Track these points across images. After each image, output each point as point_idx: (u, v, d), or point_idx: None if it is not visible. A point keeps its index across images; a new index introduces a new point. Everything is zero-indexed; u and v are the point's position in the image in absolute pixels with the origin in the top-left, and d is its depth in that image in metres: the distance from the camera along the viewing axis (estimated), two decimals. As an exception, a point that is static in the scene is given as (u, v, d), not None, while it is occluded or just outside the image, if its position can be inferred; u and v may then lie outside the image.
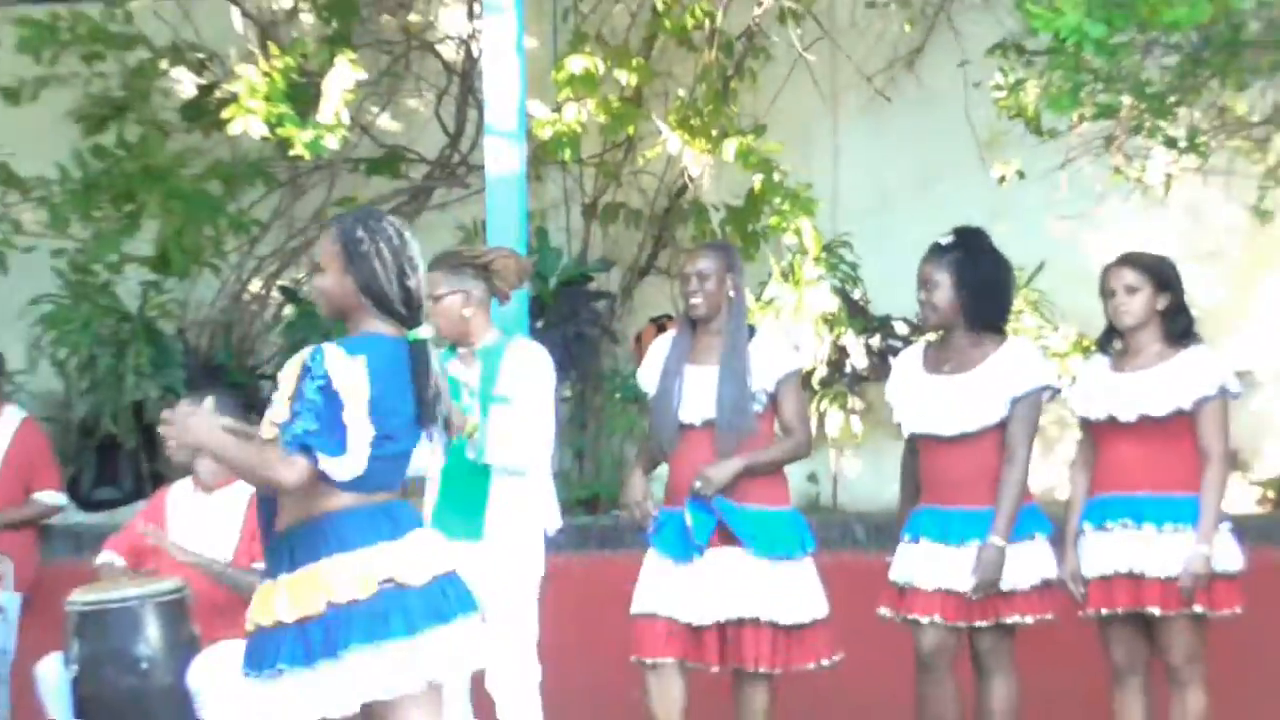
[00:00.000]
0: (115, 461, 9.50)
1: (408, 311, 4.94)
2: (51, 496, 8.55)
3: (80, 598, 7.02)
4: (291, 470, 4.76)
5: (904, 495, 7.22)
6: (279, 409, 4.89)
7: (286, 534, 4.96)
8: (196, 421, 4.91)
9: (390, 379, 4.88)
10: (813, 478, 9.04)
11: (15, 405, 8.72)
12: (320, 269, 5.08)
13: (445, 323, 6.79)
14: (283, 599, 4.85)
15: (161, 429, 5.04)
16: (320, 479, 4.82)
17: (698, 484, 6.93)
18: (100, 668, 6.94)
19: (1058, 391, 7.48)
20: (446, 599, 4.95)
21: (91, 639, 6.95)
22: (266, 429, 4.91)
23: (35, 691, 7.25)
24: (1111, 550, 6.85)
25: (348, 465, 4.75)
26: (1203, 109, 7.88)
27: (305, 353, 4.90)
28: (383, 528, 4.89)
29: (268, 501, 5.12)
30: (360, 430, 4.77)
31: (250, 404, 8.94)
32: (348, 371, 4.77)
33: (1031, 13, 6.39)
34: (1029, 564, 6.87)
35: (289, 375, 4.88)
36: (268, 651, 4.84)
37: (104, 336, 9.28)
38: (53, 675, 7.09)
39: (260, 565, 7.09)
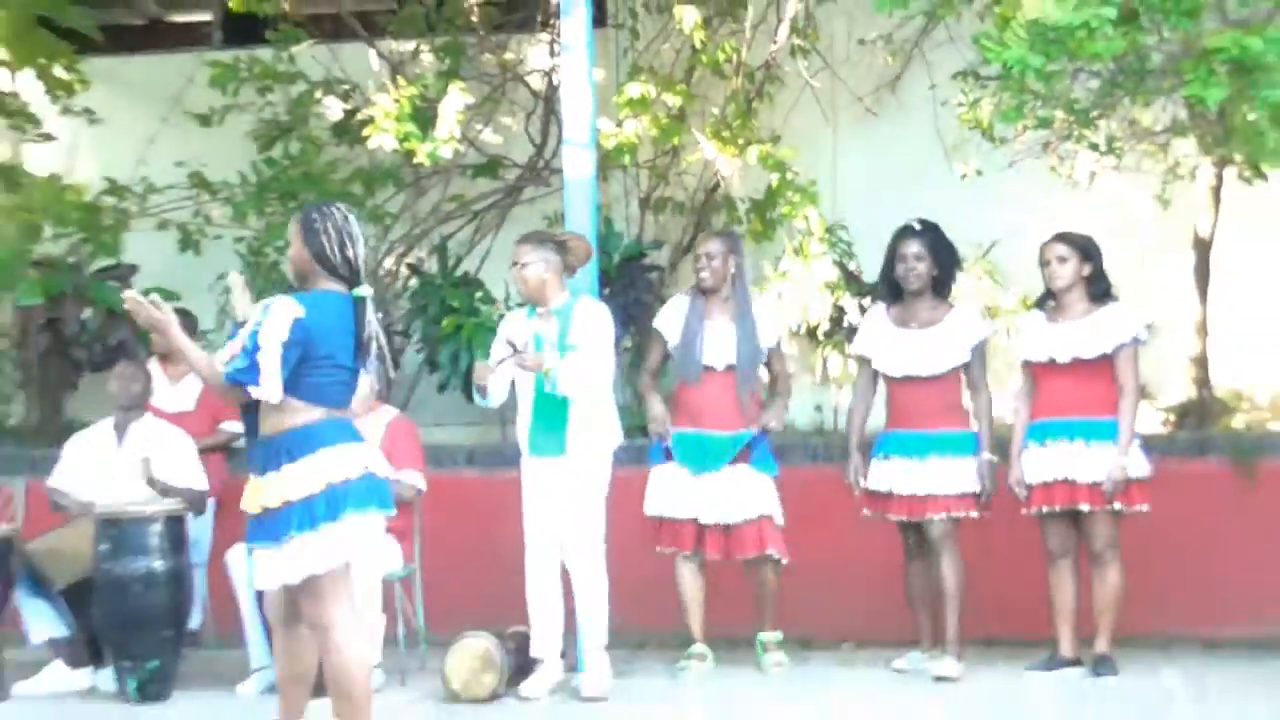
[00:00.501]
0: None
1: (349, 274, 5.22)
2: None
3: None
4: (229, 394, 5.18)
5: (856, 420, 7.47)
6: (230, 349, 5.12)
7: (276, 438, 5.13)
8: (160, 317, 5.15)
9: (332, 324, 5.14)
10: (819, 408, 9.11)
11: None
12: (289, 244, 5.38)
13: (526, 285, 7.06)
14: (288, 484, 5.08)
15: (127, 304, 5.25)
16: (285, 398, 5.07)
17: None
18: None
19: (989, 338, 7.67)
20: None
21: None
22: (222, 357, 5.14)
23: (225, 570, 7.51)
24: (1050, 462, 7.12)
25: (267, 390, 5.04)
26: (1118, 121, 7.93)
27: (261, 304, 5.18)
28: (349, 433, 5.22)
29: (251, 415, 5.23)
30: (270, 366, 5.02)
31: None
32: (277, 321, 5.04)
33: (986, 47, 6.55)
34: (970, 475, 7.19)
35: (249, 324, 5.13)
36: (280, 524, 5.08)
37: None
38: (238, 559, 7.29)
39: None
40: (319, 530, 5.06)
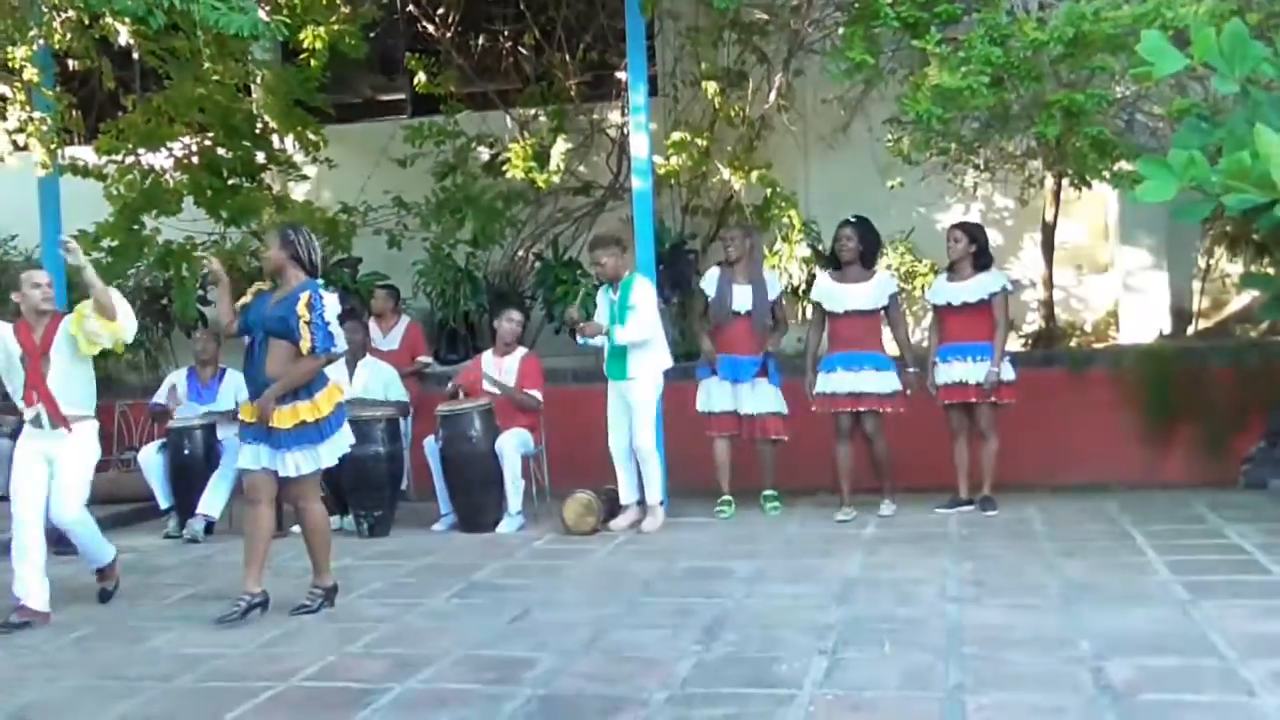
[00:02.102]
0: (455, 341, 9.53)
1: (314, 271, 5.19)
2: (425, 359, 8.76)
3: (443, 408, 7.36)
4: (321, 361, 5.10)
5: (811, 346, 7.31)
6: (305, 334, 4.97)
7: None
8: (269, 405, 5.04)
9: None
10: (799, 340, 8.94)
11: (406, 315, 8.95)
12: (267, 247, 5.27)
13: (604, 269, 7.03)
14: (320, 404, 5.09)
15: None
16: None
17: (773, 349, 7.32)
18: (453, 442, 7.26)
19: (902, 291, 7.60)
20: None
21: (449, 428, 7.26)
22: (304, 344, 5.00)
23: (422, 452, 7.48)
24: (952, 372, 7.05)
25: (338, 350, 5.13)
26: (991, 149, 7.84)
27: (308, 294, 5.03)
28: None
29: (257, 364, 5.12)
30: (339, 334, 5.10)
31: (524, 310, 9.27)
32: (332, 304, 5.10)
33: (904, 103, 6.51)
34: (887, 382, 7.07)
35: (303, 309, 5.00)
36: (325, 429, 5.11)
37: (448, 279, 9.37)
38: (430, 447, 7.35)
39: (533, 391, 7.45)
40: (338, 434, 5.17)
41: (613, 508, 7.15)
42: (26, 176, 7.93)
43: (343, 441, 5.24)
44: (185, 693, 4.19)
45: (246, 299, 5.30)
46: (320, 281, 5.22)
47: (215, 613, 5.14)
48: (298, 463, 5.13)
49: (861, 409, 7.06)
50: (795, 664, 4.14)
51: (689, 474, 7.47)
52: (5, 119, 7.44)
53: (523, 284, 9.75)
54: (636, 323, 6.94)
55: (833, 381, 7.12)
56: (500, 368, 7.63)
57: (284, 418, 5.09)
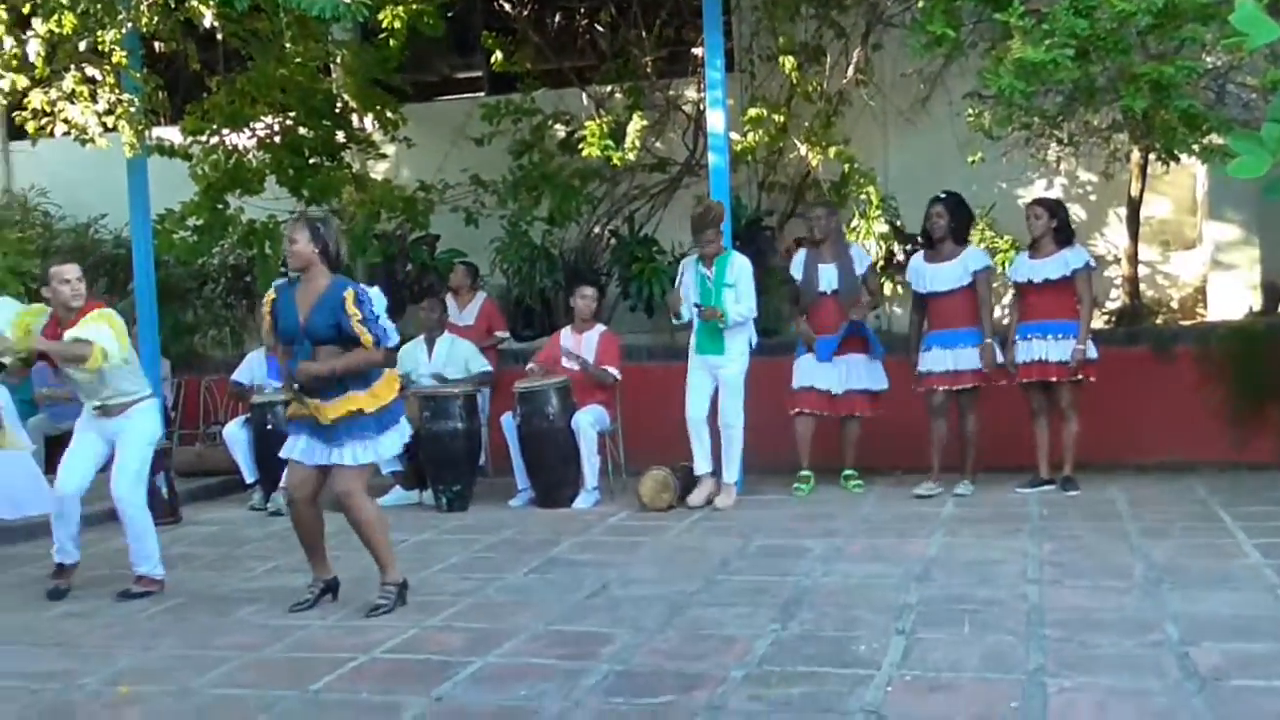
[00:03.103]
0: (531, 318, 9.55)
1: (338, 266, 4.89)
2: (503, 334, 8.82)
3: (521, 385, 7.41)
4: (382, 354, 4.82)
5: (914, 327, 7.31)
6: (363, 331, 4.70)
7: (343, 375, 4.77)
8: (319, 367, 4.76)
9: None
10: (878, 316, 8.93)
11: (483, 291, 9.03)
12: (295, 241, 4.83)
13: (709, 248, 7.02)
14: (379, 393, 4.82)
15: (300, 377, 4.81)
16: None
17: (855, 316, 7.22)
18: (530, 418, 7.31)
19: (993, 269, 7.54)
20: None
21: (526, 405, 7.32)
22: (366, 341, 4.72)
23: (500, 427, 7.53)
24: (1032, 350, 6.95)
25: (393, 343, 4.87)
26: (1075, 123, 7.65)
27: (352, 293, 4.73)
28: None
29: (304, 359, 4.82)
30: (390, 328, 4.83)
31: (596, 289, 9.30)
32: (380, 300, 4.83)
33: (986, 77, 6.39)
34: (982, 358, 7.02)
35: (353, 308, 4.70)
36: (385, 419, 4.84)
37: (524, 256, 9.40)
38: (507, 423, 7.41)
39: (610, 368, 7.48)
40: (397, 426, 4.93)
41: (688, 484, 7.16)
42: (114, 157, 8.09)
43: (402, 434, 4.95)
44: (272, 663, 4.29)
45: (267, 305, 4.98)
46: (346, 280, 4.89)
47: (291, 601, 5.17)
48: (355, 453, 4.83)
49: (958, 387, 7.04)
50: (873, 644, 4.12)
51: (765, 452, 7.45)
52: (95, 101, 7.59)
53: (598, 261, 9.76)
54: (747, 299, 6.98)
55: (929, 360, 7.12)
56: (578, 344, 7.66)
57: (335, 409, 4.79)
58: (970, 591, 4.79)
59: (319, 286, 4.82)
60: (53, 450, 9.28)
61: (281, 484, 7.52)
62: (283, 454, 5.01)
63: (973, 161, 8.28)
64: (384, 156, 10.17)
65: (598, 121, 8.97)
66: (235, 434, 7.89)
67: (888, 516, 6.54)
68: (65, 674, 4.24)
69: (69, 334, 5.29)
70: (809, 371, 7.31)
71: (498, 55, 9.71)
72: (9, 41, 7.31)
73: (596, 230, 9.86)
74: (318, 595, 5.08)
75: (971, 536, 5.89)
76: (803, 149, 9.13)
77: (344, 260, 4.97)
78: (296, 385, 4.88)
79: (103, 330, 5.29)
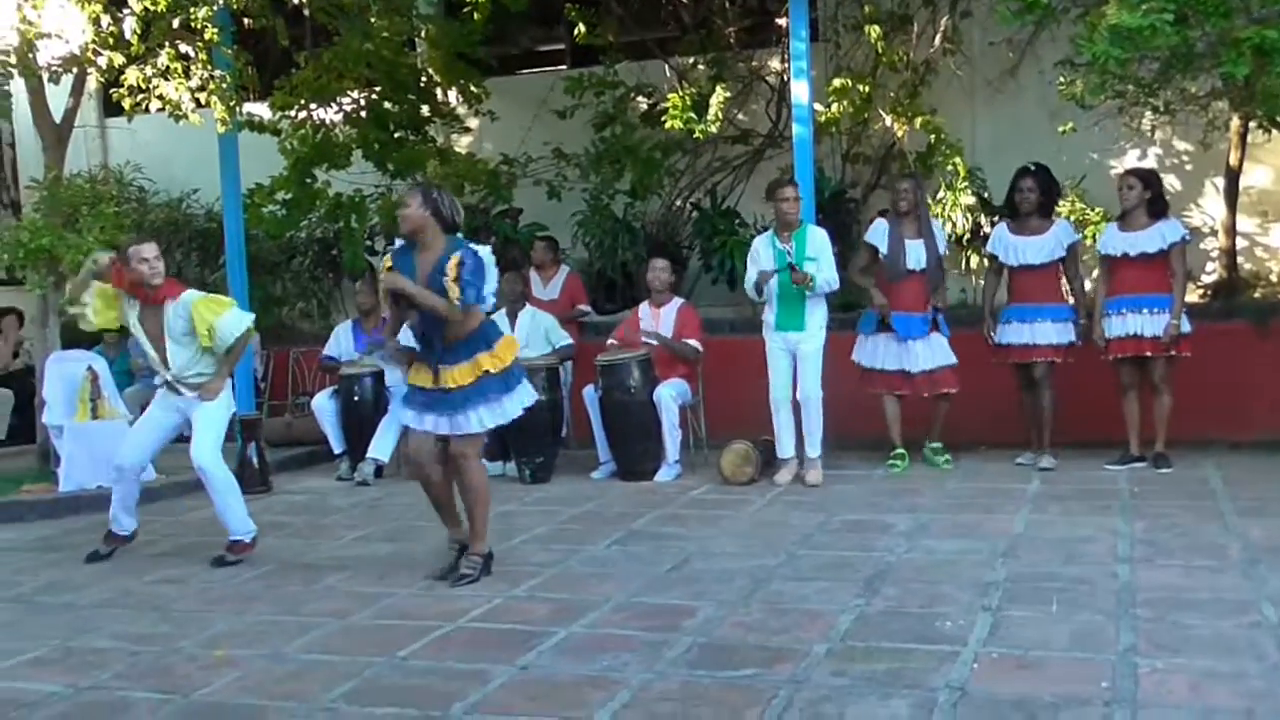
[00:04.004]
0: (613, 291, 9.55)
1: (456, 228, 4.85)
2: (585, 307, 8.84)
3: (603, 358, 7.44)
4: (460, 314, 4.75)
5: (988, 297, 7.23)
6: (451, 287, 4.67)
7: (471, 335, 4.80)
8: (402, 280, 4.72)
9: None
10: (963, 290, 8.89)
11: (565, 265, 9.07)
12: (406, 205, 4.83)
13: (788, 217, 6.94)
14: (502, 354, 4.83)
15: (383, 280, 4.85)
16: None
17: (941, 304, 7.19)
18: (612, 391, 7.33)
19: (1082, 240, 7.41)
20: None
21: (608, 378, 7.34)
22: (452, 295, 4.67)
23: (582, 399, 7.55)
24: (1125, 324, 6.83)
25: (486, 306, 4.82)
26: (1172, 91, 7.43)
27: (457, 257, 4.71)
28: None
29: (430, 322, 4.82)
30: (490, 290, 4.79)
31: (677, 262, 9.24)
32: (486, 258, 4.80)
33: (1080, 45, 6.27)
34: (1062, 334, 6.94)
35: (452, 268, 4.68)
36: (510, 380, 4.84)
37: (606, 229, 9.39)
38: (589, 396, 7.44)
39: (692, 340, 7.46)
40: (521, 385, 4.93)
41: (770, 458, 7.14)
42: (206, 133, 8.25)
43: (526, 393, 4.96)
44: (360, 629, 4.37)
45: (385, 271, 4.94)
46: (459, 236, 4.89)
47: (378, 569, 5.26)
48: (482, 417, 4.83)
49: (1034, 359, 6.97)
50: (959, 620, 4.08)
51: (844, 426, 7.39)
52: (188, 78, 7.74)
53: (680, 234, 9.73)
54: (829, 271, 6.92)
55: (1008, 333, 7.06)
56: (657, 318, 7.66)
57: (464, 373, 4.82)
58: (1058, 569, 4.72)
59: (435, 250, 4.82)
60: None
61: (369, 453, 7.73)
62: (403, 422, 5.04)
63: (1063, 131, 8.12)
64: (467, 130, 10.23)
65: (680, 93, 8.91)
66: (324, 405, 8.04)
67: (972, 492, 6.47)
68: (163, 637, 4.37)
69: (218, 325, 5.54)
70: (882, 351, 7.23)
71: (580, 28, 9.69)
72: (105, 20, 7.48)
73: (678, 203, 9.83)
74: (458, 555, 5.07)
75: (1059, 513, 5.80)
76: (888, 120, 9.01)
77: (460, 224, 4.93)
78: (419, 344, 4.91)
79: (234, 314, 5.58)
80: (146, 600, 4.96)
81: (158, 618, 4.67)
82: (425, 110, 9.73)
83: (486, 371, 4.83)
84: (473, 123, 10.14)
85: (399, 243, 4.99)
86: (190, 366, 5.59)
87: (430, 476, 5.01)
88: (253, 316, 5.78)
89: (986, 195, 8.75)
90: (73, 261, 7.31)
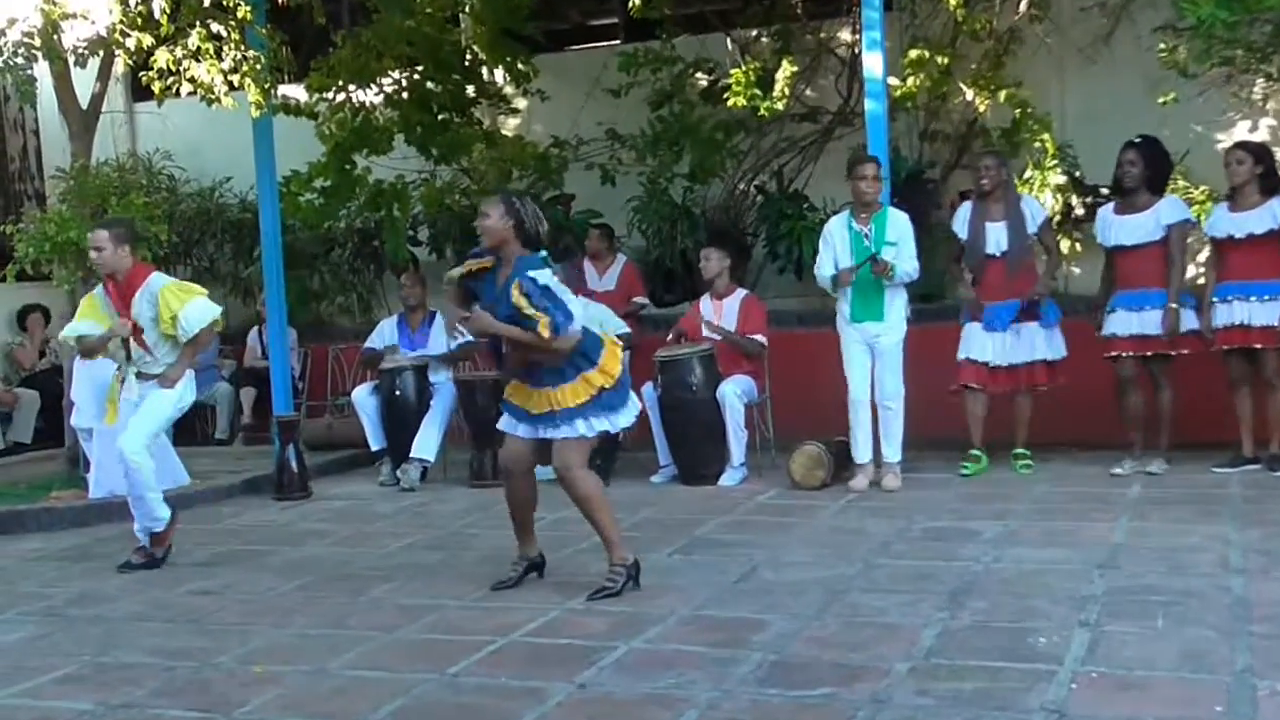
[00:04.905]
0: (672, 281, 9.50)
1: (538, 244, 4.81)
2: (642, 299, 8.87)
3: (662, 353, 7.47)
4: (561, 342, 4.67)
5: (1104, 285, 7.09)
6: (543, 320, 4.61)
7: (571, 354, 4.71)
8: (489, 321, 4.74)
9: None
10: (1054, 277, 8.79)
11: (621, 254, 9.11)
12: (487, 216, 4.80)
13: (865, 197, 6.90)
14: (608, 367, 4.77)
15: (462, 325, 4.86)
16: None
17: (1039, 292, 7.07)
18: (672, 388, 7.35)
19: (1195, 223, 7.29)
20: None
21: (668, 375, 7.37)
22: (543, 329, 4.62)
23: (642, 399, 7.60)
24: (1233, 313, 6.73)
25: (576, 324, 4.70)
26: (1283, 55, 7.36)
27: (516, 285, 4.66)
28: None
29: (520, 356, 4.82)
30: (575, 312, 4.71)
31: (741, 249, 9.22)
32: (560, 283, 4.76)
33: (1183, 7, 6.23)
34: (1187, 321, 6.80)
35: (519, 299, 4.63)
36: (622, 392, 4.84)
37: (664, 215, 9.35)
38: (648, 394, 7.38)
39: (757, 335, 7.45)
40: (629, 401, 4.90)
41: (843, 462, 7.09)
42: (240, 118, 8.34)
43: (634, 405, 4.94)
44: (407, 644, 4.40)
45: (467, 271, 4.94)
46: (542, 255, 4.84)
47: (423, 577, 5.32)
48: (591, 423, 4.81)
49: (1149, 353, 6.83)
50: (1053, 637, 4.04)
51: (924, 426, 7.31)
52: (220, 59, 7.83)
53: (744, 220, 9.68)
54: (910, 259, 6.86)
55: (1114, 323, 6.91)
56: (718, 311, 7.64)
57: (576, 392, 4.76)
58: (1163, 581, 4.65)
59: (510, 268, 4.79)
60: (180, 422, 9.73)
61: (413, 453, 7.78)
62: (500, 427, 5.04)
63: (1163, 102, 7.97)
64: (515, 111, 10.26)
65: (743, 69, 8.86)
66: (364, 400, 8.13)
67: (1065, 497, 6.40)
68: (199, 652, 4.42)
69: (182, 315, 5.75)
70: (973, 342, 7.17)
71: (635, -1, 9.71)
72: (133, -1, 7.59)
73: (742, 187, 9.77)
74: (522, 573, 5.12)
75: (1162, 520, 5.72)
76: (969, 93, 8.90)
77: (544, 238, 4.90)
78: (516, 370, 4.89)
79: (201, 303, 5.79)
80: (182, 612, 5.03)
81: (194, 631, 4.73)
82: (470, 90, 9.77)
83: (602, 389, 4.79)
84: (521, 103, 10.17)
85: (486, 252, 4.93)
86: (149, 353, 5.82)
87: (517, 484, 5.01)
88: (219, 310, 5.98)
89: (1078, 174, 8.61)
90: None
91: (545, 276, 4.77)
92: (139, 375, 5.87)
